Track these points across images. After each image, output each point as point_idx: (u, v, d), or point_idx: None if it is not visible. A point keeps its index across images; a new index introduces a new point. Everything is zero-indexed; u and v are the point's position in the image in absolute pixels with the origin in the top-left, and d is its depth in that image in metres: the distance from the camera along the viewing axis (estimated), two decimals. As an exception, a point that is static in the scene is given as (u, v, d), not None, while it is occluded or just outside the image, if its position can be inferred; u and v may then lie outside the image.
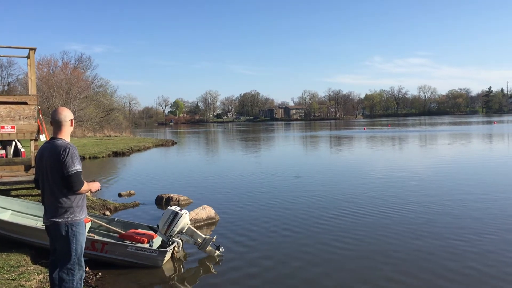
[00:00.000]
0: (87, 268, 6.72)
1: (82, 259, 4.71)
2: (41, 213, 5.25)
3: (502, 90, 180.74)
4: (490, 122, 76.37)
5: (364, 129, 64.83)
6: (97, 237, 7.73)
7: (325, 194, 13.16)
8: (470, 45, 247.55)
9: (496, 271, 6.65)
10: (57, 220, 4.53)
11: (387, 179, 16.05)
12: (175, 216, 7.43)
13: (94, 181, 4.93)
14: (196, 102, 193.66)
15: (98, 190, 4.91)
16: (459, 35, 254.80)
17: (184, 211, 7.64)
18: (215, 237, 7.76)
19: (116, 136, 50.00)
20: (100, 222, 8.36)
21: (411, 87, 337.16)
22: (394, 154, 26.36)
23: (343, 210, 10.97)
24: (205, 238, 7.66)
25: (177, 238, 7.57)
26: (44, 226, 4.83)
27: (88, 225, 8.06)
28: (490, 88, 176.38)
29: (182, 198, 12.58)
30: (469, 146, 29.96)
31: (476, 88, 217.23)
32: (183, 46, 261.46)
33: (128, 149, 31.44)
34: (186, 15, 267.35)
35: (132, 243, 7.33)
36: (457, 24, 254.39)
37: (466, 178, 15.46)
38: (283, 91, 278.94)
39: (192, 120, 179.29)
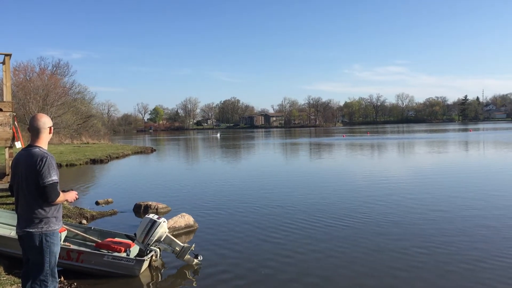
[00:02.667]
0: (62, 278, 6.60)
1: (56, 270, 4.60)
2: (15, 222, 5.13)
3: (477, 98, 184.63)
4: (466, 130, 77.81)
5: (344, 136, 65.38)
6: (72, 246, 7.60)
7: (303, 201, 13.18)
8: (446, 53, 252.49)
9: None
10: (31, 230, 4.41)
11: (365, 186, 16.18)
12: (153, 224, 7.36)
13: (72, 190, 4.82)
14: (176, 109, 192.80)
15: (75, 199, 4.81)
16: (435, 43, 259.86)
17: (162, 219, 7.58)
18: (193, 245, 7.70)
19: (94, 143, 49.37)
20: (76, 231, 8.23)
21: (389, 95, 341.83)
22: (372, 162, 26.62)
23: (321, 216, 11.00)
24: (183, 247, 7.60)
25: (155, 246, 7.49)
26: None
27: (64, 234, 7.92)
28: (466, 96, 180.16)
29: (160, 206, 12.47)
30: (445, 153, 30.44)
31: (452, 96, 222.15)
32: (163, 52, 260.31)
33: (106, 157, 31.07)
34: (166, 22, 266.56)
35: (108, 252, 7.23)
36: (434, 33, 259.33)
37: (443, 185, 15.70)
38: (263, 98, 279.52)
39: (172, 127, 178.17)
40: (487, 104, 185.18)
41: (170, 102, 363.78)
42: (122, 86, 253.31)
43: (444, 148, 35.61)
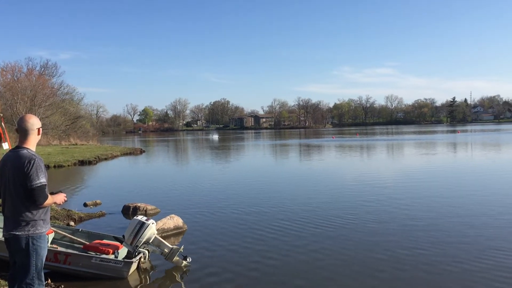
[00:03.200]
0: (49, 280, 6.55)
1: (42, 274, 4.56)
2: (1, 225, 5.08)
3: (465, 100, 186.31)
4: (454, 131, 78.49)
5: (333, 138, 65.60)
6: (60, 249, 7.55)
7: (292, 203, 13.21)
8: (435, 55, 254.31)
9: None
10: (17, 233, 4.36)
11: (353, 188, 16.27)
12: (142, 226, 7.34)
13: (61, 192, 4.76)
14: (165, 110, 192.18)
15: (64, 202, 4.77)
16: (424, 46, 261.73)
17: (151, 220, 7.56)
18: (182, 247, 7.69)
19: (82, 145, 49.03)
20: (63, 233, 8.18)
21: (378, 96, 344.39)
22: (361, 163, 26.76)
23: (309, 218, 11.03)
24: (172, 248, 7.58)
25: (143, 248, 7.47)
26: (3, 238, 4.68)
27: (51, 236, 7.86)
28: (454, 98, 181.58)
29: (149, 207, 12.43)
30: (434, 155, 30.68)
31: (441, 98, 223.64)
32: (152, 53, 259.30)
33: (94, 158, 30.89)
34: (156, 22, 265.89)
35: (96, 254, 7.19)
36: (423, 35, 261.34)
37: (431, 187, 15.83)
38: (253, 99, 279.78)
39: (161, 128, 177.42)
40: (475, 106, 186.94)
41: (160, 103, 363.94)
42: (111, 87, 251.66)
43: (433, 149, 35.89)
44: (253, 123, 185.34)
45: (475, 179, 17.56)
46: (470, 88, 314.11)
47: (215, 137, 73.32)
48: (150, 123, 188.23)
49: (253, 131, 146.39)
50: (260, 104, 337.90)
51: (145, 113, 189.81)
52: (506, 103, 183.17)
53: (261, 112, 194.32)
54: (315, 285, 6.79)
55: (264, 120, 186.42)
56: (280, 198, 14.11)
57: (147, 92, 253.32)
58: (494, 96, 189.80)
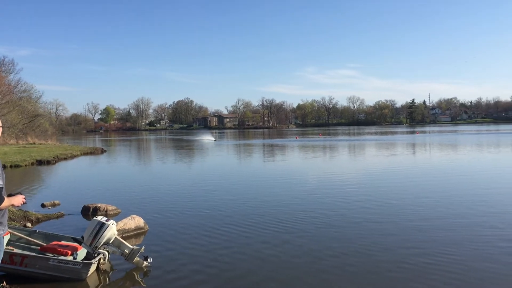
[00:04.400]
0: (4, 283, 6.38)
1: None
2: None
3: (424, 102, 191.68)
4: (413, 132, 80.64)
5: (296, 138, 66.21)
6: (16, 250, 7.35)
7: (254, 202, 13.28)
8: (396, 58, 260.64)
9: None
10: (-28, 235, 4.25)
11: (314, 188, 16.51)
12: (102, 226, 7.23)
13: (19, 193, 4.64)
14: (127, 109, 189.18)
15: (22, 204, 4.64)
16: (386, 48, 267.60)
17: (111, 221, 7.46)
18: (143, 247, 7.62)
19: (41, 144, 47.69)
20: (19, 234, 7.96)
21: (341, 97, 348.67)
22: (323, 163, 27.14)
23: (270, 218, 11.12)
24: (132, 249, 7.51)
25: (103, 249, 7.36)
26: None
27: (7, 237, 7.63)
28: (413, 100, 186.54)
29: (110, 208, 12.24)
30: (394, 155, 31.45)
31: (401, 99, 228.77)
32: (115, 51, 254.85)
33: (53, 157, 30.10)
34: (118, 19, 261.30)
35: (54, 256, 7.04)
36: (384, 38, 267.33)
37: (389, 186, 16.24)
38: (217, 99, 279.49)
39: (124, 127, 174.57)
40: (433, 108, 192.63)
41: (122, 102, 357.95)
42: (71, 85, 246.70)
43: (393, 150, 36.78)
44: (217, 123, 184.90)
45: (431, 180, 18.10)
46: (429, 90, 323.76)
47: (211, 138, 63.16)
48: (112, 122, 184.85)
49: (216, 131, 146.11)
50: (224, 104, 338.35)
51: (106, 112, 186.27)
52: (462, 105, 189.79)
53: (225, 112, 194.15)
54: (272, 281, 6.88)
55: (228, 120, 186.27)
56: (242, 198, 14.17)
57: (109, 90, 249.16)
58: (451, 99, 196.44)
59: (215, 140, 57.84)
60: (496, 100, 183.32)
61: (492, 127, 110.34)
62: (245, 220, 10.99)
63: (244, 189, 16.43)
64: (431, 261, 7.59)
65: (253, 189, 16.45)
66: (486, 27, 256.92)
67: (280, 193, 15.18)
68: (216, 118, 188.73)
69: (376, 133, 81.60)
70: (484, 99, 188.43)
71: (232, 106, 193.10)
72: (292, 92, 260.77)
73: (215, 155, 36.40)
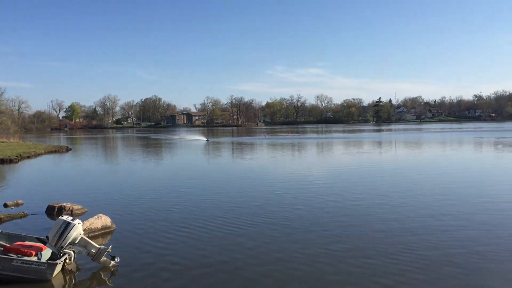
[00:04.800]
0: (-35, 285, 6.20)
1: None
2: None
3: (390, 100, 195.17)
4: (380, 131, 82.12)
5: (265, 136, 66.43)
6: (-23, 252, 7.15)
7: (221, 200, 13.33)
8: (363, 57, 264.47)
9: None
10: None
11: (280, 185, 16.65)
12: (67, 226, 7.12)
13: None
14: (93, 107, 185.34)
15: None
16: (353, 48, 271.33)
17: (77, 220, 7.35)
18: (110, 246, 7.54)
19: (3, 142, 46.25)
20: (-19, 235, 7.74)
21: (309, 96, 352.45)
22: (291, 161, 27.35)
23: (237, 214, 11.19)
24: (99, 248, 7.42)
25: (68, 249, 7.25)
26: None
27: (-33, 239, 7.43)
28: (379, 98, 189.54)
29: (75, 207, 12.03)
30: (361, 153, 31.97)
31: (368, 98, 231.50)
32: (80, 47, 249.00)
33: (16, 156, 29.30)
34: (83, 16, 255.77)
35: (18, 256, 6.89)
36: (352, 38, 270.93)
37: (358, 181, 16.54)
38: (185, 97, 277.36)
39: (90, 125, 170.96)
40: (398, 106, 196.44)
41: (88, 99, 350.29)
42: (34, 81, 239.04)
43: (360, 148, 37.36)
44: (185, 120, 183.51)
45: (396, 176, 18.51)
46: (395, 89, 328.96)
47: (202, 138, 58.53)
48: (77, 120, 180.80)
49: (185, 129, 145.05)
50: (192, 102, 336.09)
51: (71, 109, 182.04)
52: (427, 104, 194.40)
53: (193, 110, 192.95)
54: (239, 278, 6.95)
55: (196, 118, 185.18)
56: (209, 197, 14.17)
57: (74, 87, 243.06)
58: (416, 97, 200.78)
59: (207, 140, 53.68)
60: (459, 99, 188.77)
61: (455, 125, 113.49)
62: (211, 218, 11.01)
63: (211, 187, 16.40)
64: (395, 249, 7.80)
65: (221, 187, 16.45)
66: (450, 29, 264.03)
67: (247, 191, 15.25)
68: (185, 116, 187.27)
69: (344, 131, 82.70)
70: (447, 98, 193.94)
71: (200, 104, 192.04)
72: (261, 90, 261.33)
73: (183, 154, 36.17)
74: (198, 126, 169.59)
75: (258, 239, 9.09)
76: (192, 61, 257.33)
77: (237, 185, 16.93)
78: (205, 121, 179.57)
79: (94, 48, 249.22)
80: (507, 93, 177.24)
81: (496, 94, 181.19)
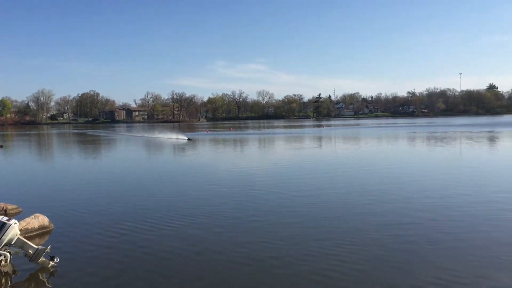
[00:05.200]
0: None
1: None
2: None
3: (329, 97, 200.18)
4: (320, 126, 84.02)
5: (207, 131, 66.18)
6: None
7: (159, 198, 13.22)
8: (303, 54, 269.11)
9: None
10: None
11: (220, 181, 16.74)
12: (2, 226, 6.84)
13: None
14: (26, 102, 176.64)
15: None
16: (294, 44, 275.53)
17: (13, 220, 7.07)
18: (49, 247, 7.29)
19: None
20: None
21: (251, 92, 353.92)
22: (233, 156, 27.46)
23: (176, 211, 11.16)
24: (37, 249, 7.17)
25: (4, 250, 6.95)
26: None
27: None
28: (319, 94, 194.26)
29: (10, 207, 11.50)
30: (301, 149, 32.61)
31: (308, 94, 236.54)
32: (11, 39, 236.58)
33: None
34: (15, 4, 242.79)
35: None
36: (292, 34, 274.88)
37: (298, 176, 16.91)
38: (125, 92, 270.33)
39: (22, 121, 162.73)
40: (337, 102, 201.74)
41: (20, 94, 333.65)
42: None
43: (301, 143, 38.09)
44: (125, 116, 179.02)
45: (336, 171, 19.09)
46: (334, 86, 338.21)
47: (183, 137, 48.89)
48: (9, 115, 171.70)
49: (125, 125, 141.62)
50: (132, 97, 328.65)
51: (2, 104, 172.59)
52: (364, 100, 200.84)
53: (133, 105, 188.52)
54: (178, 274, 6.99)
55: (136, 113, 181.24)
56: (147, 194, 14.03)
57: (4, 81, 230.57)
58: (354, 94, 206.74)
59: (189, 139, 44.77)
60: (394, 95, 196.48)
61: (391, 120, 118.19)
62: (150, 214, 10.91)
63: (149, 185, 16.21)
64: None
65: (159, 184, 16.28)
66: (386, 27, 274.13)
67: (185, 187, 15.20)
68: (124, 112, 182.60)
69: (285, 127, 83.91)
70: (383, 95, 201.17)
71: (141, 100, 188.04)
72: (203, 85, 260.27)
73: (122, 150, 35.36)
74: (139, 122, 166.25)
75: (200, 233, 9.10)
76: (131, 55, 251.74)
77: (177, 181, 16.82)
78: (146, 116, 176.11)
79: (27, 40, 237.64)
80: (438, 90, 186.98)
81: (428, 91, 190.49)
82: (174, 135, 52.77)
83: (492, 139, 36.97)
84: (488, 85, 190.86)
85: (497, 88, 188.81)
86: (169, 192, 14.13)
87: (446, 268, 6.91)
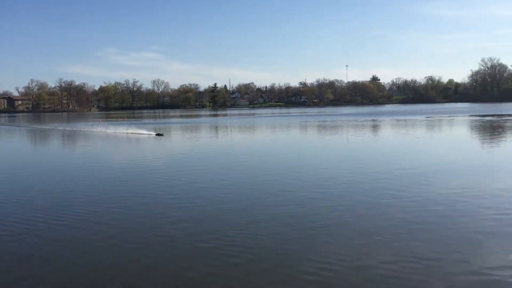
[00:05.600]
0: None
1: None
2: None
3: (225, 86, 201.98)
4: (216, 115, 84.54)
5: (100, 121, 63.55)
6: None
7: (48, 195, 12.69)
8: (198, 43, 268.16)
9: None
10: None
11: (119, 174, 16.42)
12: None
13: None
14: None
15: None
16: (189, 33, 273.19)
17: None
18: None
19: None
20: None
21: (145, 80, 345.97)
22: (128, 148, 26.85)
23: (95, 205, 10.83)
24: None
25: None
26: None
27: None
28: (215, 84, 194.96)
29: None
30: (199, 138, 32.71)
31: (204, 84, 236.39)
32: None
33: None
34: None
35: None
36: (186, 22, 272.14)
37: (188, 168, 17.07)
38: (6, 79, 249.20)
39: None
40: (233, 92, 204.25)
41: None
42: None
43: (197, 133, 38.15)
44: (6, 105, 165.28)
45: (233, 160, 19.54)
46: (230, 76, 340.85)
47: (150, 132, 38.63)
48: None
49: (6, 114, 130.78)
50: (14, 85, 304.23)
51: None
52: (259, 90, 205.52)
53: (16, 94, 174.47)
54: (93, 271, 6.84)
55: (20, 102, 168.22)
56: (37, 189, 13.38)
57: None
58: (249, 84, 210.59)
59: (158, 134, 35.64)
60: (287, 86, 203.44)
61: (284, 110, 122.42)
62: (64, 211, 10.46)
63: (36, 178, 15.40)
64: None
65: (43, 179, 15.54)
66: (280, 20, 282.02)
67: (69, 180, 14.71)
68: (5, 101, 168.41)
69: (181, 116, 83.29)
70: (277, 85, 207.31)
71: (24, 88, 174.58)
72: (94, 73, 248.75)
73: (5, 142, 32.84)
74: (22, 111, 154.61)
75: (116, 226, 8.93)
76: (11, 39, 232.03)
77: (62, 173, 16.19)
78: (31, 106, 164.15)
79: None
80: (327, 81, 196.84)
81: (318, 82, 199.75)
82: (139, 130, 40.09)
83: (375, 127, 39.97)
84: (372, 77, 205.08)
85: (379, 80, 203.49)
86: (53, 185, 13.51)
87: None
